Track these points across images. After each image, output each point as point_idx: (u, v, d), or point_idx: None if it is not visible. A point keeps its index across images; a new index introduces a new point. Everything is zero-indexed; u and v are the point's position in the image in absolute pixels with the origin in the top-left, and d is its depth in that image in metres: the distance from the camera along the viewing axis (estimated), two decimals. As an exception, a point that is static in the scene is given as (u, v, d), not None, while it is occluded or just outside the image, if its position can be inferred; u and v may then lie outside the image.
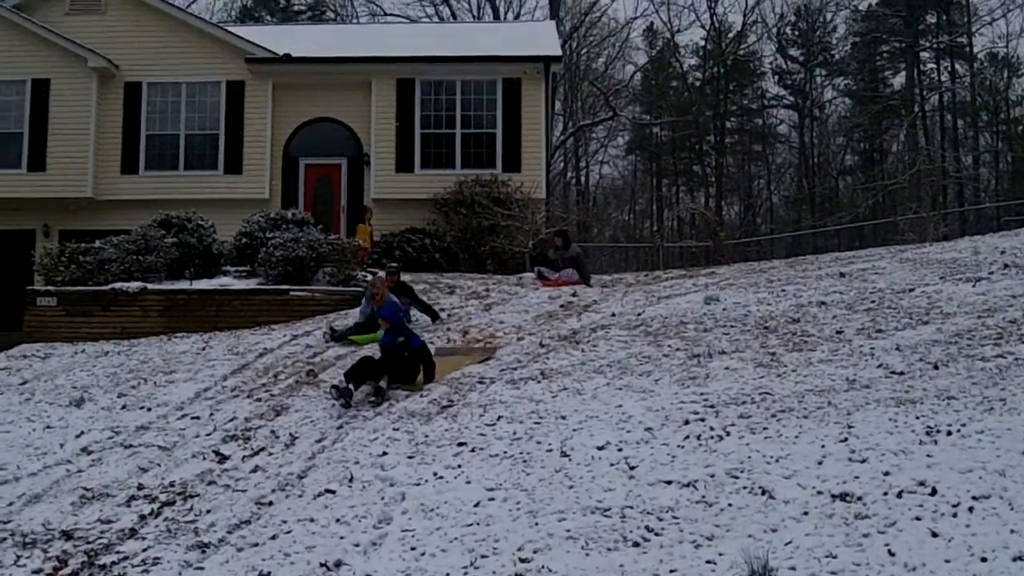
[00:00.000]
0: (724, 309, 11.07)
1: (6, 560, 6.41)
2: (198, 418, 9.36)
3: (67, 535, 6.76)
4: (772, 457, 6.32)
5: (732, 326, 10.12)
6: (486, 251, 19.75)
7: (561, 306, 12.61)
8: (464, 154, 21.19)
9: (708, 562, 4.96)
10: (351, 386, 9.09)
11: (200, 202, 18.79)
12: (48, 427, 9.57)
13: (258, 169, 21.23)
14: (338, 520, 6.32)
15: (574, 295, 13.42)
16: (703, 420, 7.17)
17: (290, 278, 14.83)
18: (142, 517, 6.91)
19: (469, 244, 19.90)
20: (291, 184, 21.58)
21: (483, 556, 5.42)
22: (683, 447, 6.69)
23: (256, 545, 6.11)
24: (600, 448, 6.88)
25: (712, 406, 7.47)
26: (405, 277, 15.99)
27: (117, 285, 14.69)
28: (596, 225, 42.43)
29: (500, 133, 21.20)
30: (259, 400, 9.64)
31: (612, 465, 6.54)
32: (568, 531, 5.57)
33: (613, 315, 11.43)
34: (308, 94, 21.50)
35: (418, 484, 6.75)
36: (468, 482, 6.66)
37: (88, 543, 6.56)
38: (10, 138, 21.29)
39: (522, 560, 5.28)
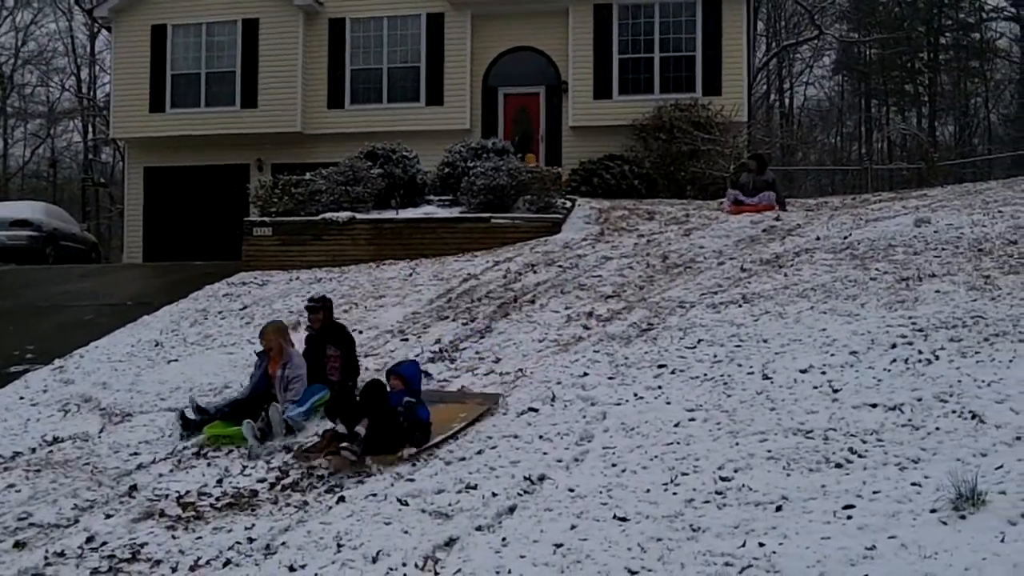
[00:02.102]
0: (935, 231, 10.56)
1: (232, 469, 6.88)
2: (407, 340, 9.72)
3: (287, 449, 7.19)
4: (983, 381, 6.04)
5: (943, 249, 9.66)
6: (686, 177, 19.48)
7: (763, 230, 12.35)
8: (663, 79, 20.86)
9: (913, 484, 4.82)
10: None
11: (403, 134, 19.28)
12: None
13: (458, 100, 21.56)
14: (541, 437, 6.45)
15: (777, 219, 13.11)
16: (911, 344, 6.91)
17: (491, 206, 15.10)
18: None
19: (668, 170, 19.66)
20: (491, 114, 21.83)
21: (683, 474, 5.44)
22: (889, 371, 6.48)
23: (463, 459, 6.33)
24: (803, 371, 6.75)
25: (921, 330, 7.18)
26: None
27: (327, 215, 15.33)
28: (801, 149, 41.10)
29: (699, 56, 20.72)
30: (464, 323, 9.91)
31: (815, 388, 6.41)
32: (769, 451, 5.52)
33: (818, 239, 11.10)
34: (506, 24, 21.58)
35: (619, 404, 6.81)
36: (668, 403, 6.67)
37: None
38: (224, 77, 22.41)
39: (723, 478, 5.27)
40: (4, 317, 13.75)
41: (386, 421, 6.77)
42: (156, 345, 10.99)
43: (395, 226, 15.06)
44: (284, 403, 7.77)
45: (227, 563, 5.32)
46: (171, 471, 6.98)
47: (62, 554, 5.62)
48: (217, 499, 6.32)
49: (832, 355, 6.97)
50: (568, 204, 16.15)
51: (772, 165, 18.56)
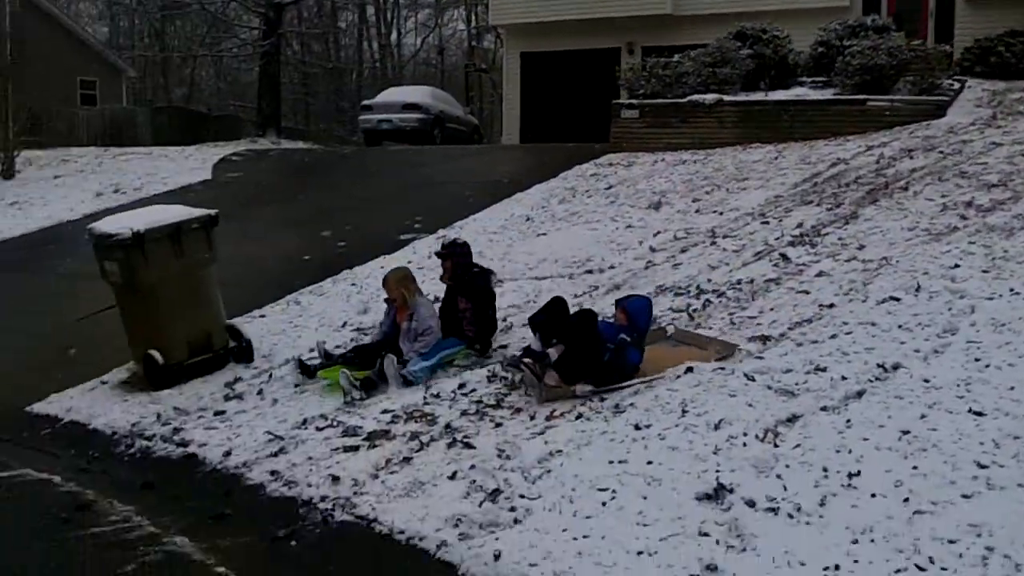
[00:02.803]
0: None
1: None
2: (767, 223, 9.66)
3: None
4: None
5: None
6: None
7: None
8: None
9: None
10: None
11: (775, 13, 18.69)
12: (629, 226, 10.47)
13: (837, -25, 20.47)
14: (900, 326, 6.27)
15: None
16: None
17: (867, 87, 14.39)
18: (705, 307, 7.46)
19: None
20: (873, -10, 20.58)
21: (1056, 374, 5.14)
22: None
23: (815, 342, 6.30)
24: None
25: None
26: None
27: (694, 97, 15.29)
28: None
29: None
30: (828, 208, 9.68)
31: None
32: None
33: None
34: None
35: (990, 299, 6.44)
36: (1048, 300, 6.25)
37: (658, 327, 7.21)
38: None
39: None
40: (396, 191, 15.08)
41: (585, 352, 6.21)
42: (527, 220, 11.64)
43: (763, 108, 14.77)
44: (408, 354, 7.25)
45: (579, 416, 5.72)
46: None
47: (437, 395, 6.50)
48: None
49: None
50: (956, 86, 15.04)
51: None
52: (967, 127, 12.43)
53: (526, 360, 6.25)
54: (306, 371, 7.37)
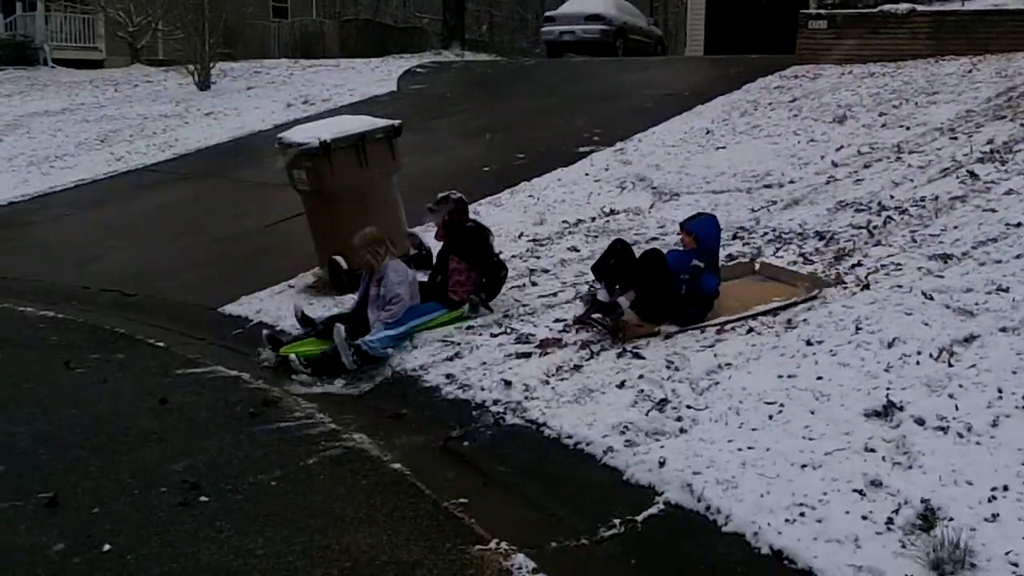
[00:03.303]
0: None
1: (766, 251, 7.27)
2: (956, 139, 9.30)
3: (820, 235, 7.41)
4: None
5: None
6: None
7: None
8: None
9: None
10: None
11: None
12: (811, 140, 10.28)
13: None
14: (1093, 247, 6.05)
15: None
16: None
17: (1077, -5, 13.50)
18: (887, 224, 7.31)
19: None
20: None
21: None
22: None
23: (999, 262, 6.12)
24: None
25: None
26: None
27: (885, 7, 14.66)
28: None
29: None
30: (1022, 124, 9.24)
31: None
32: None
33: None
34: None
35: None
36: None
37: (838, 244, 7.14)
38: None
39: None
40: (576, 103, 15.14)
41: (658, 294, 5.99)
42: (707, 133, 11.56)
43: (959, 19, 14.04)
44: (374, 324, 6.66)
45: (750, 331, 5.78)
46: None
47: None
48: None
49: None
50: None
51: None
52: None
53: (595, 316, 6.06)
54: (275, 346, 6.85)
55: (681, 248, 6.39)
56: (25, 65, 26.63)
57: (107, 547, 4.05)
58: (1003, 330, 5.07)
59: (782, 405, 4.75)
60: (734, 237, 7.74)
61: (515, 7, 51.93)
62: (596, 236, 8.14)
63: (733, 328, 5.88)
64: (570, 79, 17.79)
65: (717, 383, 5.15)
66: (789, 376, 5.05)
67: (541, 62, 23.48)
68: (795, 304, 6.08)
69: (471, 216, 7.33)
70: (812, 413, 4.64)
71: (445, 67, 22.12)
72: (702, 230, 6.24)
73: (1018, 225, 6.69)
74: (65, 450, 5.19)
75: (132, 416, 5.72)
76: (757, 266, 6.98)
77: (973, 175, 7.99)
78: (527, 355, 6.03)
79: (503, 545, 4.03)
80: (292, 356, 6.53)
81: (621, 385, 5.34)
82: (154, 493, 4.58)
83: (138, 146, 16.44)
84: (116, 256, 10.25)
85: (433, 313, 6.77)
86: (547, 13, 26.09)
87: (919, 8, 14.45)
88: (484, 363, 6.05)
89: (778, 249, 7.24)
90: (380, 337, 6.47)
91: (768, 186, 9.09)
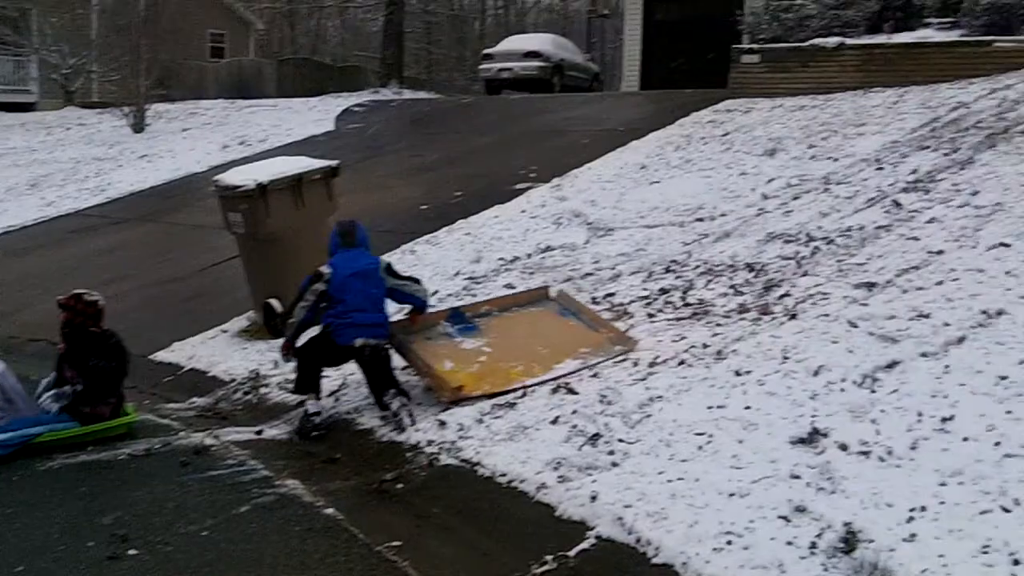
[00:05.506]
0: None
1: (697, 283, 7.39)
2: (882, 169, 9.51)
3: (750, 267, 7.54)
4: None
5: None
6: None
7: None
8: None
9: None
10: None
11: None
12: (743, 173, 10.45)
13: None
14: (1008, 273, 6.19)
15: None
16: None
17: (995, 28, 13.87)
18: (814, 254, 7.46)
19: None
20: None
21: None
22: None
23: (921, 289, 6.28)
24: None
25: None
26: None
27: (815, 41, 14.98)
28: None
29: None
30: (945, 154, 9.49)
31: None
32: None
33: None
34: None
35: (1107, 246, 6.34)
36: None
37: (767, 275, 7.27)
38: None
39: None
40: (514, 140, 15.26)
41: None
42: (641, 168, 11.70)
43: (884, 52, 14.38)
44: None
45: (681, 363, 5.87)
46: (642, 281, 7.66)
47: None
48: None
49: None
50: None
51: None
52: (1101, 67, 11.96)
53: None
54: None
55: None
56: (-46, 109, 26.32)
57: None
58: (923, 355, 5.22)
59: (711, 436, 4.84)
60: (666, 270, 7.84)
61: (454, 45, 52.31)
62: (532, 272, 8.21)
63: (664, 361, 5.96)
64: (508, 116, 17.94)
65: (649, 416, 5.22)
66: (719, 407, 5.14)
67: (479, 99, 23.63)
68: (593, 365, 6.14)
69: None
70: (740, 443, 4.73)
71: (383, 105, 22.18)
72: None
73: (939, 252, 6.87)
74: (-12, 505, 5.09)
75: (58, 470, 5.62)
76: (553, 293, 7.02)
77: (898, 204, 8.19)
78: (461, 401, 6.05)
79: (436, 586, 4.05)
80: None
81: (555, 421, 5.39)
82: (82, 548, 4.51)
83: (69, 190, 16.28)
84: (45, 304, 10.10)
85: (41, 428, 5.87)
86: (485, 51, 26.29)
87: (848, 42, 14.79)
88: (419, 403, 6.07)
89: (709, 281, 7.35)
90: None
91: (700, 219, 9.22)
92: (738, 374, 5.48)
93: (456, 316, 6.76)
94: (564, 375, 6.04)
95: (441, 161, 14.51)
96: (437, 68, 51.04)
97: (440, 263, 9.33)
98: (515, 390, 5.93)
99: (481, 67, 25.22)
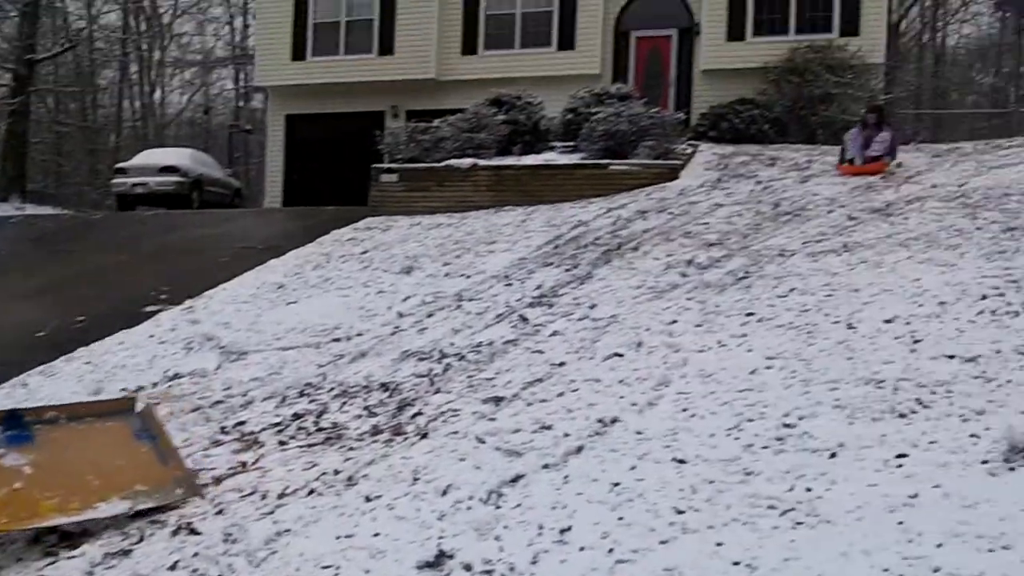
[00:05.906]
0: (1061, 179, 10.19)
1: (332, 406, 7.28)
2: (510, 285, 9.95)
3: (384, 387, 7.54)
4: (1073, 336, 5.91)
5: (1064, 198, 9.34)
6: (817, 121, 19.04)
7: (881, 177, 12.09)
8: (799, 19, 20.31)
9: (971, 436, 4.79)
10: None
11: (534, 80, 19.49)
12: (380, 292, 10.56)
13: (590, 44, 21.51)
14: (621, 381, 6.59)
15: (899, 165, 12.79)
16: (1002, 295, 6.75)
17: (611, 152, 15.15)
18: (446, 371, 7.59)
19: (799, 114, 19.23)
20: (622, 58, 21.71)
21: (749, 420, 5.52)
22: (974, 322, 6.36)
23: (544, 401, 6.52)
24: (887, 321, 6.68)
25: (1015, 281, 7.00)
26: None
27: (451, 162, 15.67)
28: (955, 90, 39.45)
29: (839, -7, 20.08)
30: (567, 269, 10.08)
31: (896, 339, 6.35)
32: (837, 400, 5.54)
33: (933, 186, 10.84)
34: (639, -36, 21.37)
35: (701, 351, 6.88)
36: (749, 350, 6.71)
37: (401, 394, 7.29)
38: (363, 25, 22.95)
39: (786, 425, 5.34)
40: (146, 259, 14.63)
41: None
42: (279, 287, 11.54)
43: (514, 172, 15.29)
44: None
45: (311, 492, 5.70)
46: (275, 406, 7.44)
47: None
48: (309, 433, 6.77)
49: (920, 305, 6.87)
50: (689, 150, 16.04)
51: (923, 108, 17.90)
52: (696, 189, 13.27)
53: None
54: None
55: None
56: None
57: None
58: (545, 467, 5.37)
59: (338, 568, 4.69)
60: (301, 394, 7.68)
61: (87, 156, 49.77)
62: (156, 403, 7.75)
63: (295, 491, 5.77)
64: (143, 233, 17.23)
65: (275, 552, 4.99)
66: (347, 536, 5.01)
67: (111, 216, 22.58)
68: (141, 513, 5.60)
69: None
70: (367, 572, 4.62)
71: (2, 222, 20.65)
72: None
73: (561, 364, 7.20)
74: None
75: None
76: (139, 406, 6.32)
77: (524, 319, 8.55)
78: (73, 545, 5.54)
79: None
80: None
81: (174, 567, 5.03)
82: None
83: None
84: None
85: None
86: (118, 164, 25.25)
87: (480, 163, 15.56)
88: (19, 559, 5.47)
89: (344, 404, 7.26)
90: None
91: (337, 339, 9.17)
92: (368, 499, 5.39)
93: (12, 420, 5.62)
94: (99, 518, 5.41)
95: (65, 282, 13.60)
96: (67, 181, 48.24)
97: (55, 396, 8.61)
98: (32, 529, 5.29)
99: (114, 181, 24.16)
